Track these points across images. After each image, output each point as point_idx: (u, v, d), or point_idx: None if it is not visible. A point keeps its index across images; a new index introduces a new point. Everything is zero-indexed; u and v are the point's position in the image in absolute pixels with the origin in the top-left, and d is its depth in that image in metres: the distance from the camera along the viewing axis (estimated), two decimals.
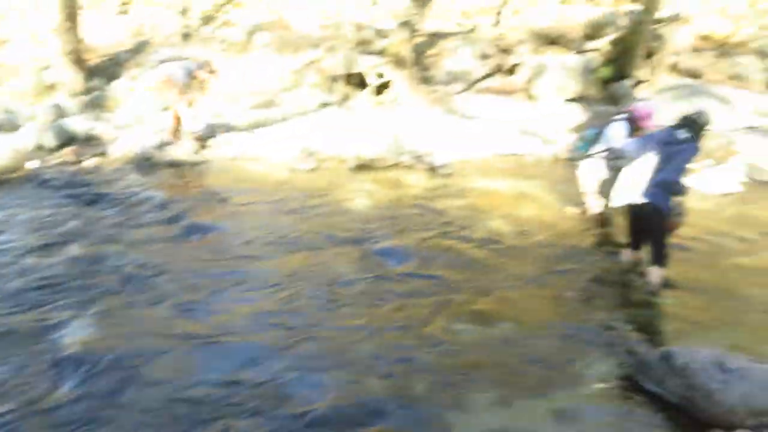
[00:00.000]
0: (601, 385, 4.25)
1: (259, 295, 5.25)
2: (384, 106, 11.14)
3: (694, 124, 5.22)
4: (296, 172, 8.42)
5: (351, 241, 6.28)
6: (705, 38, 14.54)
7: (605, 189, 6.24)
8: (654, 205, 5.26)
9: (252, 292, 5.30)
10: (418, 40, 12.77)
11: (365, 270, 5.71)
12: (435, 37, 13.59)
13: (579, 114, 11.84)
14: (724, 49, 14.49)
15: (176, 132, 9.19)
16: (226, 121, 10.15)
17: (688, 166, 5.22)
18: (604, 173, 6.42)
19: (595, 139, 6.51)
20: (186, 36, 13.38)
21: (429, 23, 14.28)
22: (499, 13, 15.78)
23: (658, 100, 11.65)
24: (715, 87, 12.54)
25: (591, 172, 6.62)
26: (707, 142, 5.44)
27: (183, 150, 9.03)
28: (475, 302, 5.27)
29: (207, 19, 14.22)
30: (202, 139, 9.22)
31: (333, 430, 3.78)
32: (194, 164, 8.73)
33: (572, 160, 6.96)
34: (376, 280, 5.54)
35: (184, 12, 13.95)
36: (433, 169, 8.54)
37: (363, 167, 8.58)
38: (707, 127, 5.29)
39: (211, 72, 9.48)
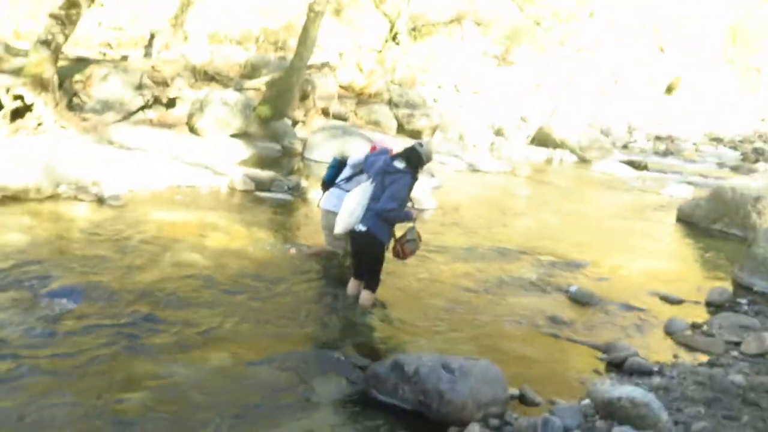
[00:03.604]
0: (336, 406, 4.10)
1: None
2: (25, 131, 9.49)
3: (412, 155, 5.29)
4: None
5: (12, 284, 5.04)
6: (346, 87, 16.08)
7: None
8: (369, 233, 5.23)
9: None
10: (62, 63, 11.34)
11: (37, 316, 4.62)
12: (81, 63, 12.27)
13: (243, 149, 11.89)
14: (362, 98, 16.23)
15: None
16: None
17: (402, 194, 5.21)
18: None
19: (338, 166, 6.29)
20: None
21: (70, 49, 12.85)
22: (148, 46, 15.09)
23: (317, 139, 12.41)
24: (361, 129, 13.90)
25: (330, 203, 6.18)
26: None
27: None
28: (182, 339, 4.68)
29: None
30: None
31: None
32: None
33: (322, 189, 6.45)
34: (55, 325, 4.52)
35: None
36: (100, 201, 7.49)
37: (10, 199, 7.07)
38: (427, 159, 5.33)
39: None
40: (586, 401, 4.05)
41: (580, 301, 6.38)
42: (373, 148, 6.14)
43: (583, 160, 17.38)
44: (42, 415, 3.57)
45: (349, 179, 6.14)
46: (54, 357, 4.14)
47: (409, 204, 5.50)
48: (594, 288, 6.82)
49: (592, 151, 17.64)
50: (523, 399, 4.27)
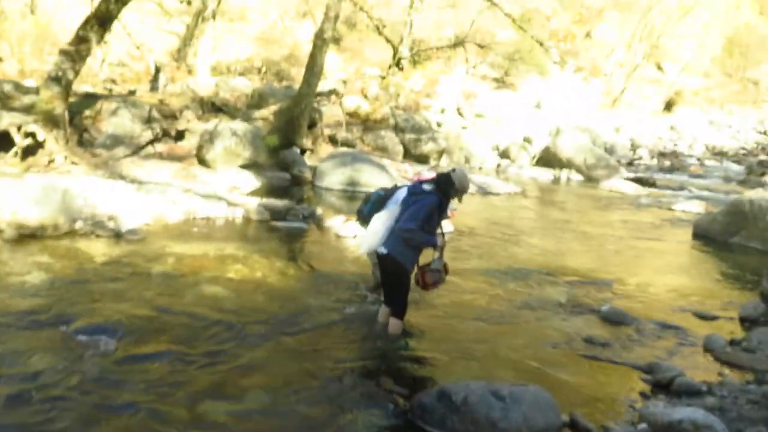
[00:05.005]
0: None
1: None
2: (37, 169, 9.43)
3: (441, 178, 5.13)
4: None
5: (40, 323, 4.92)
6: (352, 114, 16.09)
7: None
8: (390, 256, 5.04)
9: None
10: (71, 99, 11.32)
11: (70, 355, 4.49)
12: (90, 98, 12.27)
13: (253, 179, 11.83)
14: (368, 125, 16.24)
15: None
16: None
17: (422, 214, 4.93)
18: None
19: (380, 201, 5.74)
20: None
21: (76, 86, 12.86)
22: (154, 80, 15.15)
23: (327, 166, 12.37)
24: (370, 156, 13.86)
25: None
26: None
27: None
28: (215, 374, 4.55)
29: None
30: None
31: None
32: None
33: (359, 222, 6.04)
34: (90, 365, 4.39)
35: None
36: (118, 235, 7.40)
37: (27, 237, 6.96)
38: (460, 185, 5.11)
39: None
40: (642, 425, 3.91)
41: (613, 320, 6.25)
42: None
43: (590, 179, 17.34)
44: None
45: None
46: (86, 400, 4.00)
47: (439, 231, 5.29)
48: (624, 307, 6.70)
49: (599, 170, 17.59)
50: (574, 426, 4.11)
